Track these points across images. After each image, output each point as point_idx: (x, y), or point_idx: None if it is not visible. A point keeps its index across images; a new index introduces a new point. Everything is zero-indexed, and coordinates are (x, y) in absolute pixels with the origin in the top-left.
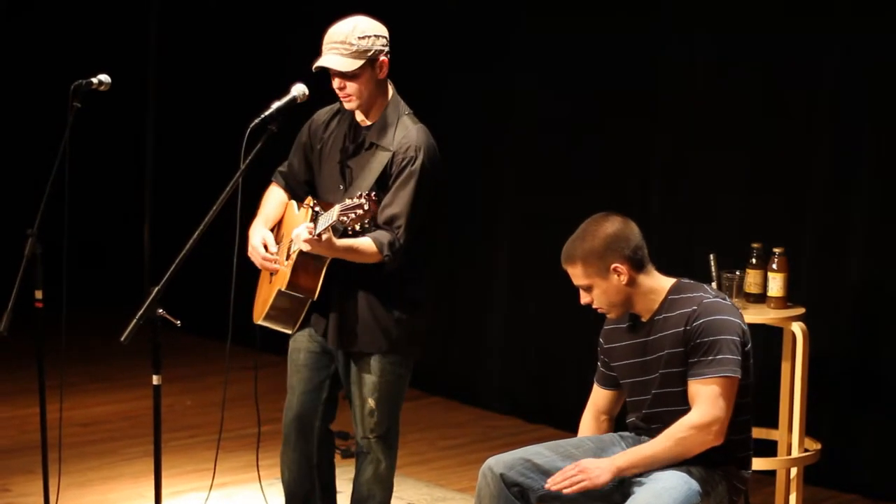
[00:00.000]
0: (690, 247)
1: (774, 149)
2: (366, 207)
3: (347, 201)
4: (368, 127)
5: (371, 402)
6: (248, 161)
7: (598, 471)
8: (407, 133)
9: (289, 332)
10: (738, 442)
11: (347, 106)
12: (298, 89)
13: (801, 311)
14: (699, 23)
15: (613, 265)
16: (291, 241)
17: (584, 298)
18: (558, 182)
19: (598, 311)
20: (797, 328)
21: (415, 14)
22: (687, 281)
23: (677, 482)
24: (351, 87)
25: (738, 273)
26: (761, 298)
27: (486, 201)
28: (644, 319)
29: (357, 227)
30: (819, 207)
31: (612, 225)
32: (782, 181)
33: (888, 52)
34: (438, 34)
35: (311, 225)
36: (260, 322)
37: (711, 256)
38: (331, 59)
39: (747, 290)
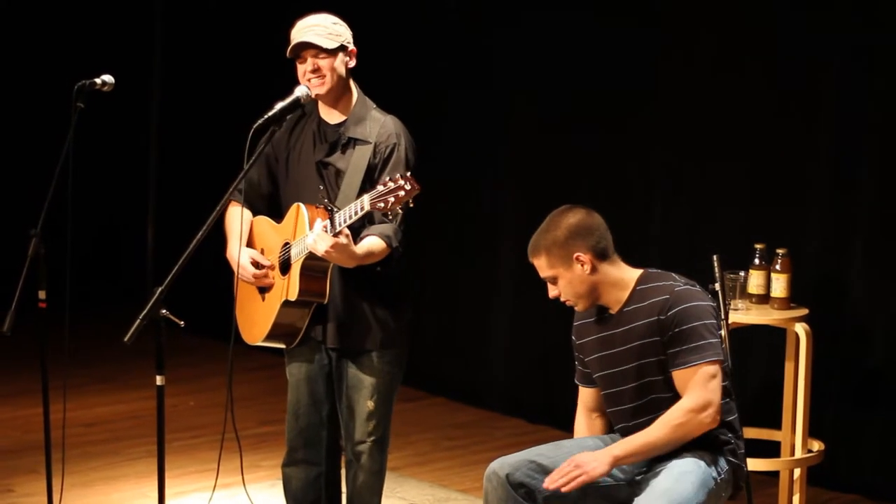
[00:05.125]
0: (694, 247)
1: (778, 150)
2: (407, 188)
3: (380, 187)
4: (340, 124)
5: (370, 404)
6: (252, 162)
7: (594, 463)
8: (383, 123)
9: (284, 346)
10: (726, 424)
11: (317, 90)
12: (302, 90)
13: (804, 311)
14: (700, 23)
15: (576, 254)
16: (281, 253)
17: (552, 292)
18: (561, 183)
19: (566, 303)
20: (800, 329)
21: (414, 15)
22: (654, 270)
23: (693, 466)
24: (325, 67)
25: (741, 274)
26: (765, 299)
27: (489, 202)
28: (613, 311)
29: (399, 210)
30: (822, 208)
31: (574, 216)
32: (786, 182)
33: (888, 51)
34: (438, 36)
35: (327, 223)
36: (259, 342)
37: (715, 257)
38: (309, 37)
39: (750, 291)
